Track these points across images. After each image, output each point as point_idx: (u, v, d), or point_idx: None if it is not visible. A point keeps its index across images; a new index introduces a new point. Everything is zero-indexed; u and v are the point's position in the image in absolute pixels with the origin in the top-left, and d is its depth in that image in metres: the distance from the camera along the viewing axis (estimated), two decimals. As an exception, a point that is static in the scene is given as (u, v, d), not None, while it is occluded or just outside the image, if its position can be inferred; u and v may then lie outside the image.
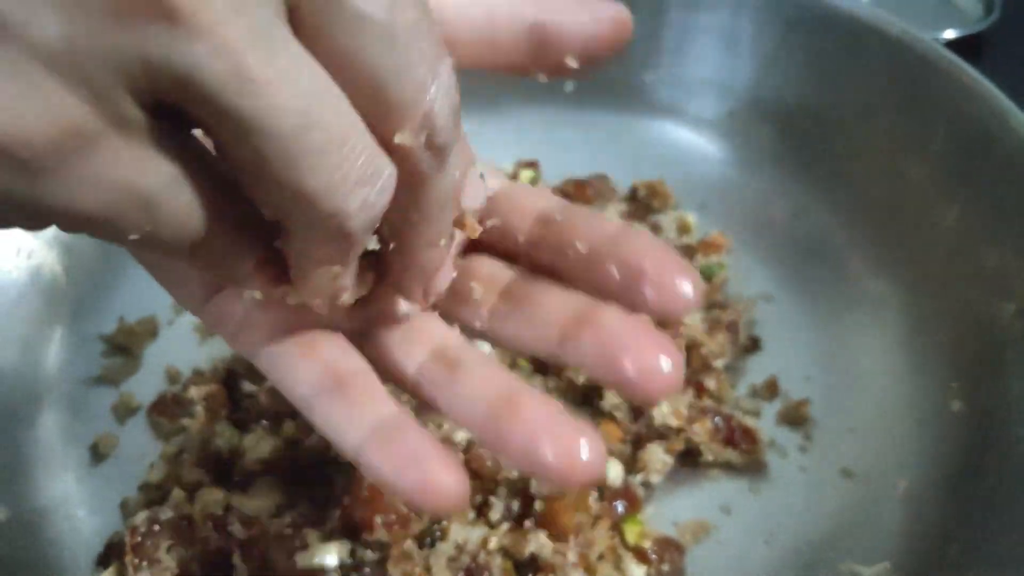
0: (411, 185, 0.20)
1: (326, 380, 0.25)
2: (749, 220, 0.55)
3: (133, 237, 0.18)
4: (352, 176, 0.18)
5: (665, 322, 0.44)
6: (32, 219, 0.17)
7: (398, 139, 0.19)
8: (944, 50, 0.48)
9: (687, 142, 0.58)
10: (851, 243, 0.51)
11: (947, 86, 0.47)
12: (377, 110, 0.19)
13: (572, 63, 0.27)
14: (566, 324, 0.25)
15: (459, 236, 0.27)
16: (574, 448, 0.22)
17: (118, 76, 0.15)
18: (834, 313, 0.50)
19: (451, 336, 0.27)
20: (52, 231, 0.47)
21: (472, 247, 0.30)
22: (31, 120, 0.15)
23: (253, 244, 0.21)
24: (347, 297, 0.24)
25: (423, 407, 0.27)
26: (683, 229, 0.56)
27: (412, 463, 0.22)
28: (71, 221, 0.17)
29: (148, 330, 0.51)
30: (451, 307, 0.28)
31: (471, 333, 0.28)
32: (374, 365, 0.27)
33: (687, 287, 0.24)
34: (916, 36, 0.50)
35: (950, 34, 0.69)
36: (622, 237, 0.26)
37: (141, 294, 0.51)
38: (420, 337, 0.27)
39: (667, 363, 0.22)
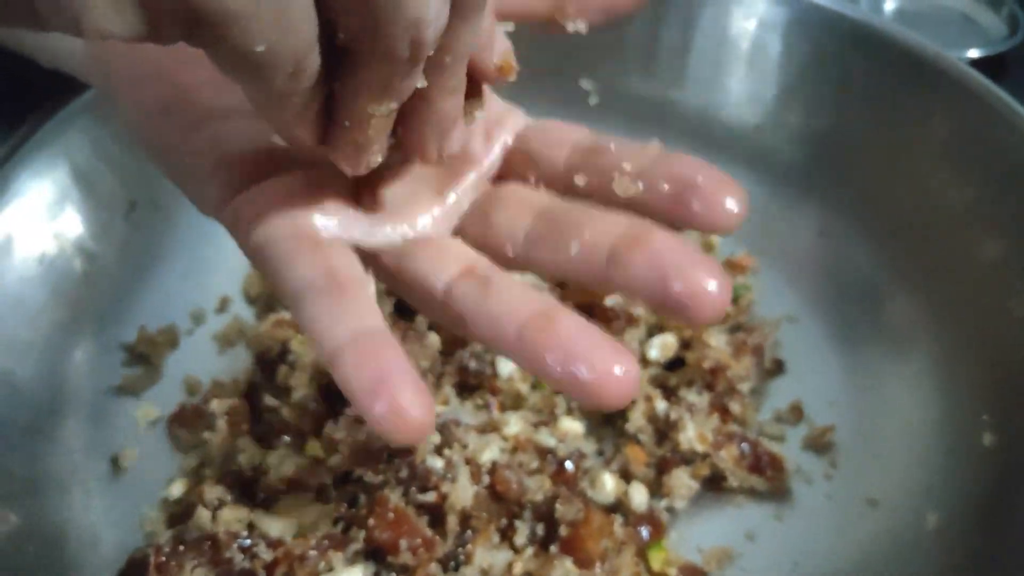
0: (452, 23, 0.21)
1: (322, 279, 0.24)
2: (774, 239, 0.55)
3: (260, 48, 0.19)
4: None
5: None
6: (185, 21, 0.18)
7: None
8: (978, 73, 0.47)
9: (712, 159, 0.56)
10: (880, 266, 0.50)
11: (981, 112, 0.46)
12: None
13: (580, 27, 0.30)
14: (616, 244, 0.24)
15: (495, 154, 0.29)
16: (610, 366, 0.22)
17: None
18: (861, 337, 0.49)
19: (480, 259, 0.27)
20: (75, 235, 0.47)
21: (502, 177, 0.30)
22: None
23: (322, 87, 0.22)
24: (378, 158, 0.24)
25: (453, 322, 0.26)
26: (706, 247, 0.56)
27: (385, 380, 0.22)
28: (218, 21, 0.18)
29: (168, 339, 0.50)
30: (480, 231, 0.28)
31: (501, 262, 0.27)
32: (400, 283, 0.27)
33: (733, 202, 0.25)
34: (948, 57, 0.49)
35: (974, 53, 0.68)
36: (666, 157, 0.27)
37: (161, 303, 0.51)
38: (449, 256, 0.27)
39: (714, 284, 0.23)
